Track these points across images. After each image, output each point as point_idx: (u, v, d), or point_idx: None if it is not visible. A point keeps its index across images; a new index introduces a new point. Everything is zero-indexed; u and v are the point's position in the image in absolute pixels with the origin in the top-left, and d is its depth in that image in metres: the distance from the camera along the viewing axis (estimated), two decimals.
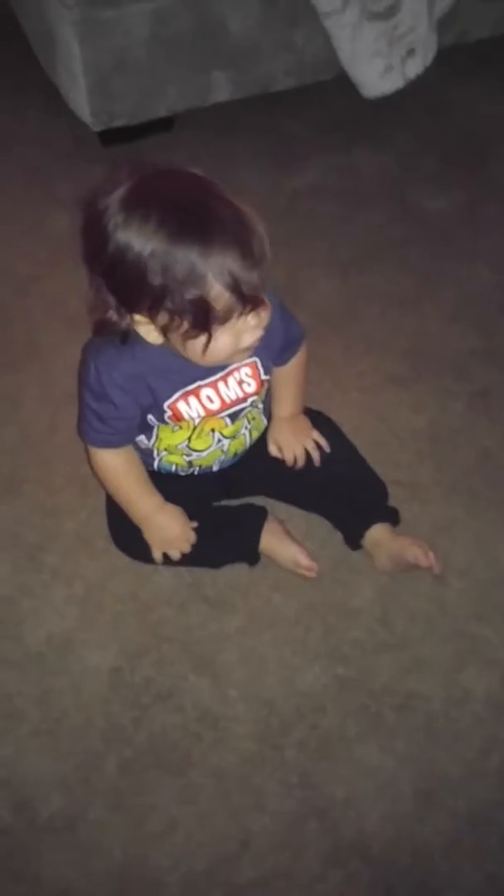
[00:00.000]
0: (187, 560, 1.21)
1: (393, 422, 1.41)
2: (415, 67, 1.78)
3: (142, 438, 1.15)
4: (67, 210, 1.71)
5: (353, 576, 1.24)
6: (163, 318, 0.95)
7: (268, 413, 1.25)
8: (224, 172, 1.00)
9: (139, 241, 0.90)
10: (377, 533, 1.22)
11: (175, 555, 1.19)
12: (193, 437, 1.14)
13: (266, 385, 1.15)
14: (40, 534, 1.28)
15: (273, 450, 1.25)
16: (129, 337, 1.01)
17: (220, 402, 1.10)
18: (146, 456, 1.17)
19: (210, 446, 1.16)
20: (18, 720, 1.11)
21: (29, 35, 1.89)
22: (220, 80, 1.78)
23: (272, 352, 1.13)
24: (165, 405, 1.08)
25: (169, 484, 1.19)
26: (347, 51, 1.74)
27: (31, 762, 1.08)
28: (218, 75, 1.77)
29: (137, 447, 1.16)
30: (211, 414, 1.11)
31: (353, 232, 1.71)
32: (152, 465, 1.19)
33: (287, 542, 1.22)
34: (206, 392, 1.09)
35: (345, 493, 1.24)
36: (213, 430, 1.14)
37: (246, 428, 1.19)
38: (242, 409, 1.14)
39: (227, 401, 1.11)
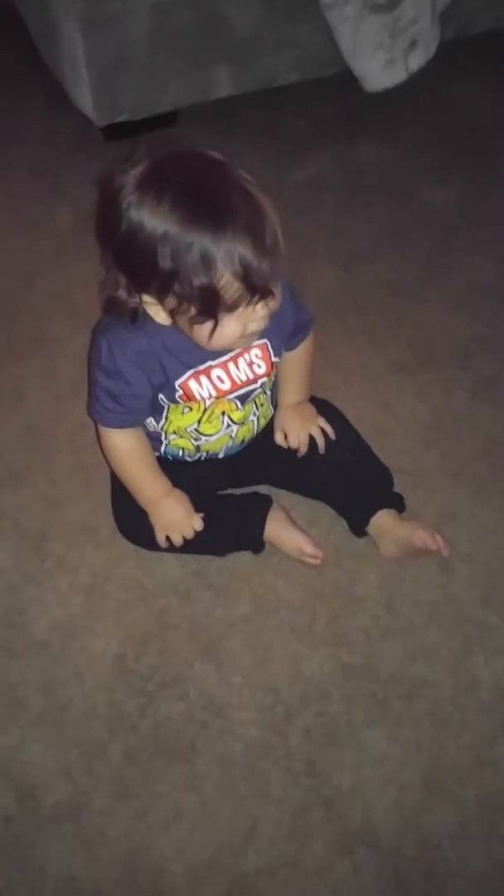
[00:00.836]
0: (192, 547, 1.20)
1: (397, 410, 1.41)
2: (417, 60, 1.78)
3: (150, 421, 1.14)
4: (71, 204, 1.72)
5: (358, 563, 1.23)
6: (171, 301, 0.95)
7: (274, 402, 1.24)
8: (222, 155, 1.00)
9: (151, 221, 0.90)
10: (382, 519, 1.21)
11: (178, 539, 1.18)
12: (203, 419, 1.13)
13: (276, 367, 1.15)
14: (44, 523, 1.28)
15: (279, 437, 1.25)
16: (138, 316, 1.01)
17: (230, 383, 1.10)
18: (154, 440, 1.17)
19: (219, 431, 1.16)
20: (22, 708, 1.11)
21: (32, 31, 1.89)
22: (222, 75, 1.78)
23: (283, 335, 1.13)
24: (177, 384, 1.07)
25: (175, 470, 1.19)
26: (349, 44, 1.74)
27: (35, 751, 1.08)
28: (220, 70, 1.77)
29: (146, 430, 1.15)
30: (221, 394, 1.10)
31: (357, 224, 1.71)
32: (160, 450, 1.18)
33: (292, 529, 1.21)
34: (217, 372, 1.08)
35: (349, 480, 1.23)
36: (223, 413, 1.14)
37: (254, 414, 1.18)
38: (252, 391, 1.14)
39: (238, 382, 1.11)
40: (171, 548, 1.20)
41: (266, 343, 1.10)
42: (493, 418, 1.39)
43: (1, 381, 1.45)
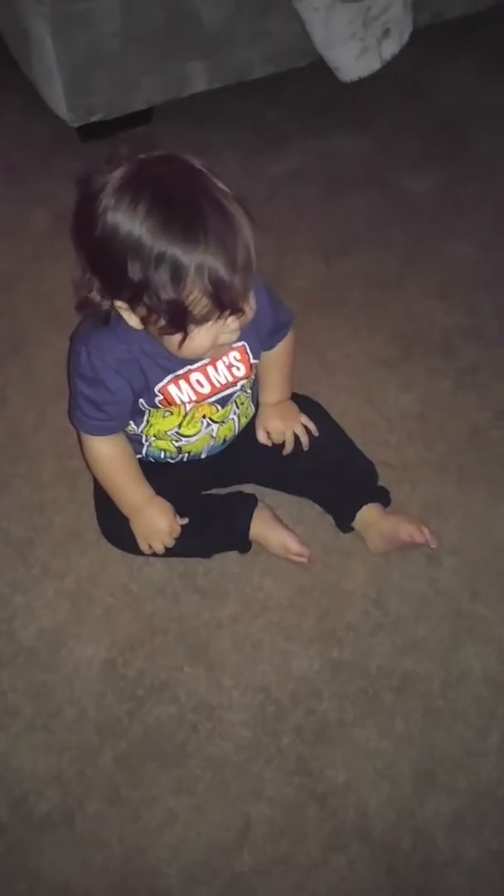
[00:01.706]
0: (178, 550, 1.20)
1: (381, 403, 1.40)
2: (391, 48, 1.77)
3: (131, 424, 1.14)
4: (48, 207, 1.70)
5: (345, 559, 1.23)
6: (141, 310, 0.95)
7: (256, 400, 1.24)
8: (205, 161, 0.99)
9: (126, 225, 0.89)
10: (368, 514, 1.21)
11: (159, 547, 1.18)
12: (184, 422, 1.13)
13: (255, 369, 1.14)
14: (29, 529, 1.27)
15: (262, 436, 1.24)
16: (111, 318, 1.01)
17: (210, 386, 1.10)
18: (134, 443, 1.16)
19: (199, 431, 1.15)
20: (12, 716, 1.11)
21: (4, 33, 1.88)
22: (196, 71, 1.77)
23: (261, 336, 1.12)
24: (156, 388, 1.07)
25: (158, 473, 1.19)
26: (322, 35, 1.73)
27: (26, 758, 1.08)
28: (194, 65, 1.76)
29: (126, 434, 1.15)
30: (201, 398, 1.10)
31: (336, 216, 1.70)
32: (141, 452, 1.18)
33: (277, 528, 1.21)
34: (196, 376, 1.08)
35: (334, 476, 1.23)
36: (203, 416, 1.13)
37: (234, 413, 1.18)
38: (232, 394, 1.14)
39: (217, 385, 1.10)
40: (154, 553, 1.19)
41: (244, 345, 1.10)
42: (478, 407, 1.39)
43: None
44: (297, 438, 1.24)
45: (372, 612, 1.18)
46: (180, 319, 0.92)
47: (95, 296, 0.98)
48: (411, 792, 1.05)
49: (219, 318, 0.93)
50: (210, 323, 0.93)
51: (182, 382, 1.07)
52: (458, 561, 1.22)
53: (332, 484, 1.23)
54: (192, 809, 1.04)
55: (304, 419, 1.25)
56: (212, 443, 1.19)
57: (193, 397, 1.09)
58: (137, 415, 1.12)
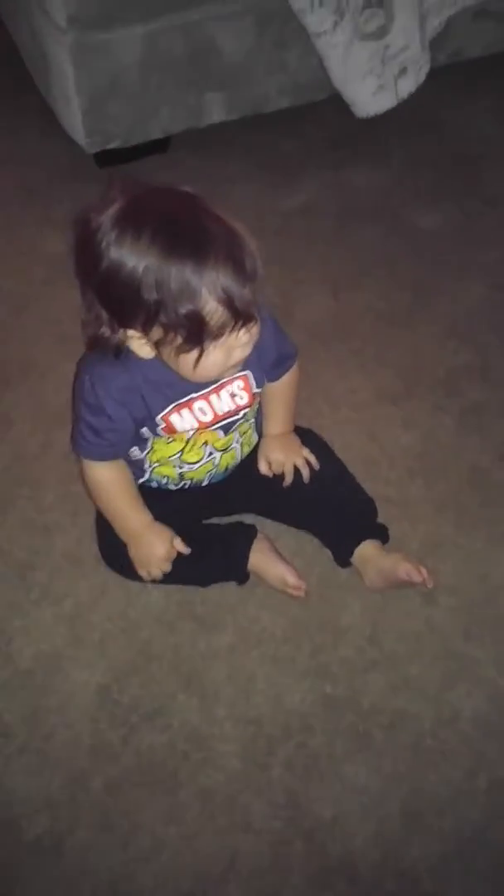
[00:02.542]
0: (176, 578, 1.21)
1: (383, 439, 1.41)
2: (407, 86, 1.79)
3: (134, 450, 1.15)
4: (63, 231, 1.72)
5: (341, 594, 1.24)
6: (157, 332, 0.96)
7: (258, 429, 1.25)
8: (219, 192, 1.02)
9: (132, 257, 0.91)
10: (366, 550, 1.22)
11: (156, 574, 1.19)
12: (186, 449, 1.14)
13: (258, 398, 1.16)
14: (30, 552, 1.28)
15: (263, 467, 1.26)
16: (121, 352, 1.03)
17: (212, 414, 1.11)
18: (137, 468, 1.18)
19: (202, 459, 1.17)
20: (6, 738, 1.11)
21: (25, 58, 1.91)
22: (213, 102, 1.80)
23: (264, 366, 1.14)
24: (158, 417, 1.09)
25: (159, 500, 1.20)
26: (339, 71, 1.75)
27: (18, 780, 1.09)
28: (211, 97, 1.78)
29: (129, 459, 1.16)
30: (204, 426, 1.12)
31: (346, 249, 1.72)
32: (143, 477, 1.19)
33: (275, 560, 1.22)
34: (199, 404, 1.10)
35: (334, 510, 1.24)
36: (205, 443, 1.15)
37: (237, 441, 1.19)
38: (235, 422, 1.15)
39: (220, 413, 1.12)
40: (154, 580, 1.21)
41: (248, 374, 1.11)
42: (480, 448, 1.40)
43: None
44: (297, 471, 1.25)
45: (366, 649, 1.19)
46: (198, 333, 0.94)
47: (105, 331, 1.00)
48: (399, 831, 1.05)
49: (232, 330, 0.95)
50: (224, 337, 0.95)
51: (185, 411, 1.09)
52: (453, 601, 1.23)
53: (331, 518, 1.24)
54: (181, 839, 1.05)
55: (306, 452, 1.26)
56: (214, 470, 1.20)
57: (195, 425, 1.11)
58: (141, 441, 1.13)
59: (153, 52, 1.67)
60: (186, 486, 1.21)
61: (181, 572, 1.20)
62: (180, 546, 1.18)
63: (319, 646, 1.19)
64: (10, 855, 1.03)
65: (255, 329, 0.98)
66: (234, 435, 1.18)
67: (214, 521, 1.29)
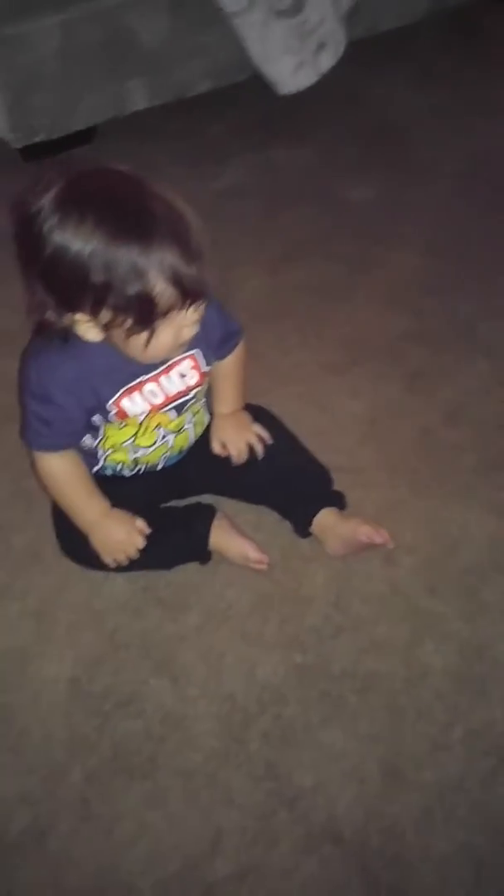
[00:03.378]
0: (138, 564, 1.20)
1: (332, 409, 1.43)
2: (327, 61, 1.81)
3: (86, 438, 1.14)
4: None
5: (304, 564, 1.25)
6: (105, 315, 0.95)
7: (209, 409, 1.26)
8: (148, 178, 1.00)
9: (77, 241, 0.90)
10: (325, 518, 1.23)
11: (122, 559, 1.19)
12: (139, 433, 1.14)
13: (207, 377, 1.16)
14: None
15: (216, 447, 1.26)
16: (69, 337, 1.01)
17: (163, 396, 1.11)
18: (90, 457, 1.17)
19: (155, 442, 1.16)
20: None
21: None
22: (136, 89, 1.79)
23: (211, 344, 1.14)
24: (109, 403, 1.08)
25: (116, 486, 1.19)
26: (258, 50, 1.76)
27: None
28: (133, 84, 1.78)
29: (81, 448, 1.15)
30: (155, 409, 1.11)
31: (279, 228, 1.73)
32: (96, 465, 1.18)
33: (235, 537, 1.22)
34: (149, 387, 1.09)
35: (289, 482, 1.25)
36: (158, 426, 1.15)
37: (190, 422, 1.19)
38: (186, 402, 1.15)
39: (170, 394, 1.12)
40: (118, 566, 1.20)
41: (196, 353, 1.11)
42: (426, 409, 1.42)
43: None
44: (251, 448, 1.25)
45: (333, 616, 1.20)
46: (148, 314, 0.93)
47: (51, 315, 0.98)
48: (379, 790, 1.06)
49: (180, 308, 0.95)
50: (173, 314, 0.95)
51: (135, 394, 1.08)
52: (414, 560, 1.25)
53: (288, 490, 1.25)
54: (164, 821, 1.04)
55: (258, 428, 1.26)
56: (168, 453, 1.20)
57: (147, 408, 1.10)
58: (92, 429, 1.12)
59: (71, 42, 1.65)
60: (141, 471, 1.21)
61: (144, 557, 1.20)
62: (142, 526, 1.18)
63: (286, 617, 1.20)
64: None
65: (203, 307, 0.98)
66: (187, 415, 1.18)
67: (173, 504, 1.28)
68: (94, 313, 0.96)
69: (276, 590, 1.22)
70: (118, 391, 1.07)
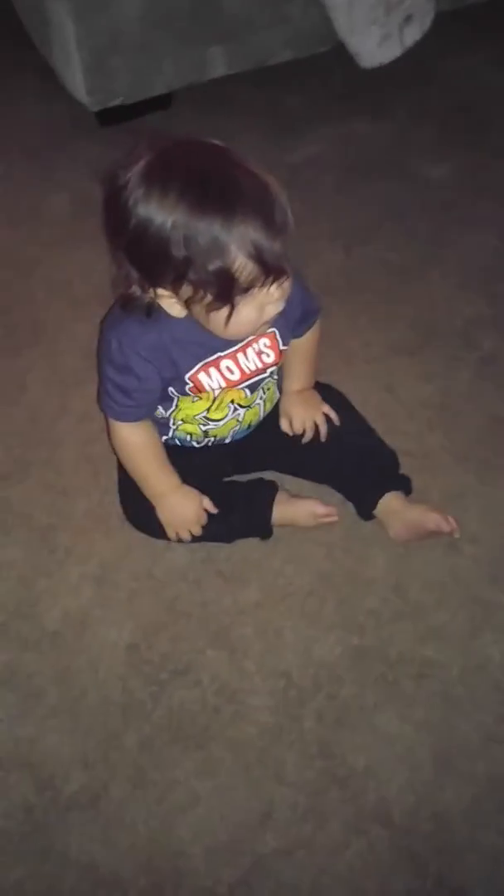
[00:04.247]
0: (200, 536, 1.21)
1: (401, 391, 1.41)
2: (413, 34, 1.76)
3: (159, 408, 1.15)
4: (67, 191, 1.71)
5: (365, 546, 1.24)
6: (186, 290, 0.95)
7: (280, 386, 1.25)
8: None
9: (160, 214, 0.90)
10: (390, 502, 1.22)
11: (185, 535, 1.19)
12: (212, 407, 1.14)
13: (284, 356, 1.15)
14: (53, 514, 1.28)
15: (284, 424, 1.25)
16: (153, 311, 1.01)
17: (239, 373, 1.10)
18: (161, 426, 1.17)
19: (226, 416, 1.16)
20: (38, 699, 1.12)
21: (23, 16, 1.87)
22: (216, 56, 1.76)
23: (290, 322, 1.13)
24: (186, 377, 1.08)
25: (183, 458, 1.20)
26: (344, 20, 1.72)
27: (51, 741, 1.09)
28: (214, 50, 1.75)
29: (153, 418, 1.16)
30: (231, 385, 1.11)
31: (355, 203, 1.70)
32: (167, 435, 1.19)
33: (298, 501, 1.23)
34: (226, 363, 1.09)
35: (356, 463, 1.24)
36: (231, 401, 1.15)
37: (261, 398, 1.19)
38: (261, 380, 1.14)
39: (247, 371, 1.11)
40: (180, 539, 1.21)
41: (275, 332, 1.10)
42: (498, 397, 1.39)
43: (3, 373, 1.45)
44: (317, 427, 1.24)
45: (392, 600, 1.19)
46: (228, 290, 0.92)
47: (136, 289, 0.98)
48: (431, 777, 1.06)
49: (262, 285, 0.93)
50: (255, 291, 0.93)
51: (212, 370, 1.08)
52: (477, 549, 1.23)
53: (354, 471, 1.24)
54: (215, 792, 1.06)
55: (326, 408, 1.25)
56: (237, 427, 1.20)
57: (223, 384, 1.10)
58: (166, 400, 1.12)
59: (155, 5, 1.63)
60: (210, 444, 1.21)
61: (206, 530, 1.20)
62: (209, 506, 1.18)
63: (345, 598, 1.20)
64: (48, 812, 1.04)
65: (286, 284, 0.96)
66: (259, 392, 1.17)
67: (235, 479, 1.28)
68: (176, 289, 0.95)
69: (335, 570, 1.22)
70: (196, 365, 1.07)
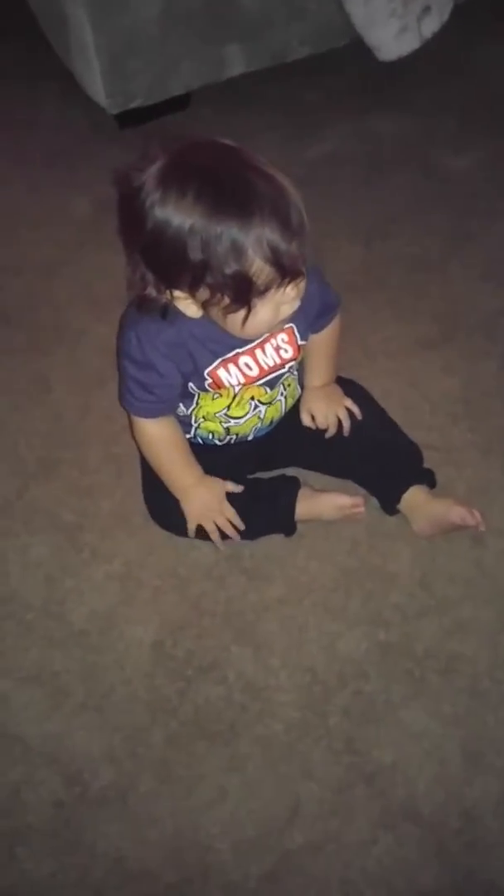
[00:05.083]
0: (223, 533, 1.21)
1: (424, 386, 1.40)
2: (431, 26, 1.75)
3: (180, 406, 1.15)
4: (88, 194, 1.72)
5: (390, 541, 1.23)
6: (203, 293, 0.95)
7: (301, 381, 1.25)
8: (243, 146, 0.99)
9: (177, 217, 0.90)
10: (414, 496, 1.22)
11: (211, 527, 1.19)
12: (233, 404, 1.14)
13: (302, 351, 1.15)
14: (78, 514, 1.29)
15: (306, 419, 1.25)
16: (168, 312, 1.02)
17: (258, 369, 1.11)
18: (184, 425, 1.18)
19: (248, 413, 1.17)
20: (65, 696, 1.13)
21: (40, 20, 1.88)
22: (233, 54, 1.76)
23: (308, 317, 1.13)
24: (205, 373, 1.08)
25: (205, 455, 1.20)
26: (361, 14, 1.71)
27: (79, 737, 1.10)
28: (231, 49, 1.75)
29: (175, 416, 1.16)
30: (250, 381, 1.11)
31: (375, 197, 1.69)
32: (189, 433, 1.19)
33: (322, 495, 1.22)
34: (245, 359, 1.09)
35: (379, 458, 1.24)
36: (252, 398, 1.15)
37: (282, 394, 1.19)
38: (280, 376, 1.14)
39: (266, 367, 1.11)
40: (202, 535, 1.21)
41: (292, 327, 1.11)
42: None
43: (27, 373, 1.46)
44: (341, 422, 1.24)
45: (418, 594, 1.19)
46: (245, 293, 0.92)
47: (151, 291, 0.99)
48: (459, 772, 1.06)
49: (279, 286, 0.93)
50: (271, 293, 0.94)
51: (231, 366, 1.08)
52: (503, 543, 1.22)
53: (377, 466, 1.24)
54: (243, 787, 1.06)
55: (349, 402, 1.25)
56: (259, 424, 1.20)
57: (242, 380, 1.10)
58: (187, 397, 1.13)
59: (172, 5, 1.64)
60: (232, 441, 1.21)
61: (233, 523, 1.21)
62: (232, 487, 1.19)
63: (370, 593, 1.19)
64: (77, 808, 1.05)
65: (302, 284, 0.96)
66: (279, 388, 1.17)
67: (258, 475, 1.28)
68: (193, 291, 0.96)
69: (360, 566, 1.22)
70: (215, 361, 1.07)
